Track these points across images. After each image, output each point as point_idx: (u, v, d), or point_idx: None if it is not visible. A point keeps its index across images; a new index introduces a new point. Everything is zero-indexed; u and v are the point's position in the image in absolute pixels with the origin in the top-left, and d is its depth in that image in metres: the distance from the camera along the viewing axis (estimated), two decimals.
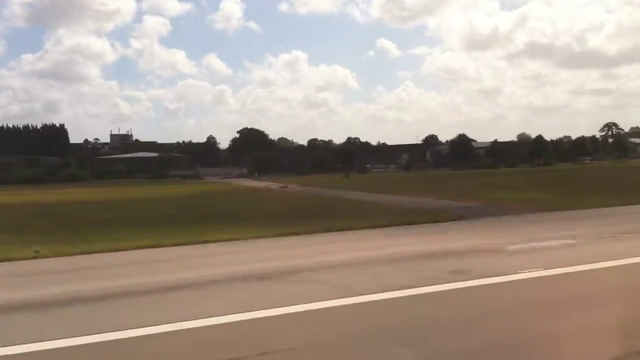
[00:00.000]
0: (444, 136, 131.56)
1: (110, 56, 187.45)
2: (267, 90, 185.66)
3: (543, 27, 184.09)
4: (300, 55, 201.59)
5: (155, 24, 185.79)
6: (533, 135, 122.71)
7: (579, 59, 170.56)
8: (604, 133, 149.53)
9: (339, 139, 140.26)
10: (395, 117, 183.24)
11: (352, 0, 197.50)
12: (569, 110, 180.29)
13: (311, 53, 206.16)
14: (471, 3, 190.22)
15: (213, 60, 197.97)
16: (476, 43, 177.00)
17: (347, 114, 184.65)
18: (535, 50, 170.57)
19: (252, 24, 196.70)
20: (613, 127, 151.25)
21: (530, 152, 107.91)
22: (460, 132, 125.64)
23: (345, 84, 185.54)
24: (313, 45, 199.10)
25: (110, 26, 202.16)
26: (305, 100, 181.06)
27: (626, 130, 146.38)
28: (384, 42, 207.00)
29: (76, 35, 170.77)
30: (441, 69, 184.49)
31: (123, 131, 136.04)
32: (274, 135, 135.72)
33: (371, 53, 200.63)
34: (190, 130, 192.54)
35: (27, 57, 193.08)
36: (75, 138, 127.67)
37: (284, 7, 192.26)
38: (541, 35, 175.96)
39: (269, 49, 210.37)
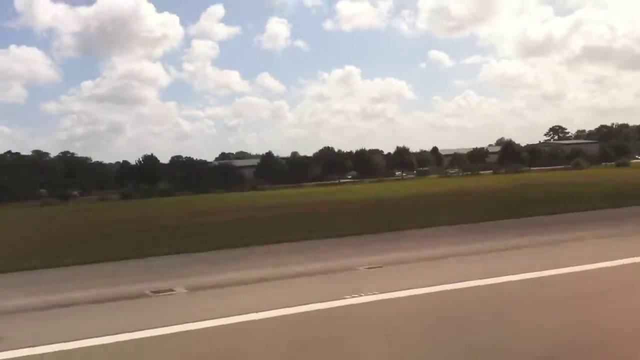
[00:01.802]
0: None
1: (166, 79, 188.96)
2: (324, 104, 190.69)
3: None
4: (353, 69, 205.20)
5: (205, 48, 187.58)
6: None
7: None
8: (549, 138, 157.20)
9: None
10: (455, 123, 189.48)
11: (398, 14, 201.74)
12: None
13: (363, 68, 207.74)
14: (521, 10, 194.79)
15: (266, 79, 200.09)
16: (531, 50, 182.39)
17: (406, 123, 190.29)
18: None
19: (300, 43, 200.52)
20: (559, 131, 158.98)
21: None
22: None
23: (401, 95, 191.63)
24: (364, 60, 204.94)
25: (159, 51, 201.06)
26: (362, 111, 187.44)
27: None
28: (435, 54, 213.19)
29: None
30: (499, 76, 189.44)
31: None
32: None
33: (423, 65, 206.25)
34: (252, 143, 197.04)
35: (87, 83, 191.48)
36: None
37: (328, 25, 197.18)
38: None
39: (320, 66, 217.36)
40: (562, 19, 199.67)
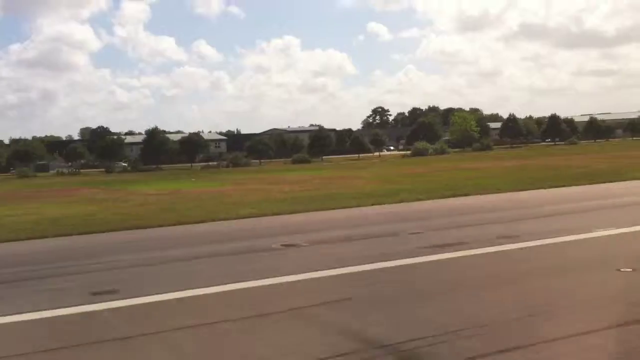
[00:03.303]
0: None
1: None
2: (265, 75, 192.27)
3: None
4: (292, 40, 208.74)
5: (135, 10, 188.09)
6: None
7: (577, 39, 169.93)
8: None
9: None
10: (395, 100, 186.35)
11: None
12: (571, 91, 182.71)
13: (303, 38, 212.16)
14: None
15: (203, 47, 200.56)
16: (468, 25, 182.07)
17: (347, 98, 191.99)
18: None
19: (234, 9, 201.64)
20: None
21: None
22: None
23: (342, 68, 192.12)
24: (303, 30, 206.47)
25: (86, 13, 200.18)
26: (304, 85, 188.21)
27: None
28: (374, 26, 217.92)
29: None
30: (438, 51, 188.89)
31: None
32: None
33: (361, 37, 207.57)
34: (194, 116, 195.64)
35: (14, 47, 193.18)
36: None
37: None
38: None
39: (258, 35, 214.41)
40: None
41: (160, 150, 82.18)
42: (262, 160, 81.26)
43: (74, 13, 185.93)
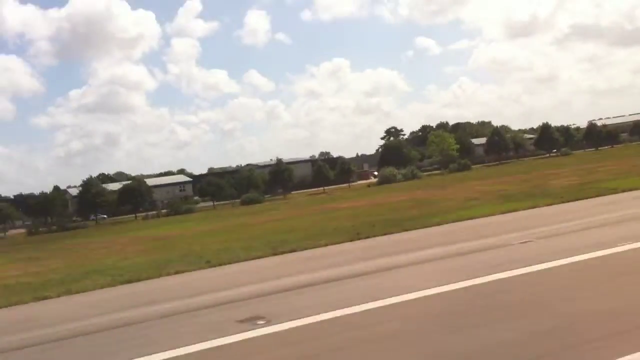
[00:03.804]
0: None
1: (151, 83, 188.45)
2: (318, 100, 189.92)
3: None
4: (342, 62, 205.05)
5: (185, 46, 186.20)
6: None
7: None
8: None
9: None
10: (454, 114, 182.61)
11: (377, 1, 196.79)
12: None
13: (352, 59, 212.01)
14: None
15: (254, 77, 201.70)
16: (518, 31, 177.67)
17: (403, 116, 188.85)
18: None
19: (281, 36, 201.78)
20: None
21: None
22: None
23: (394, 86, 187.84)
24: (351, 52, 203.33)
25: (138, 52, 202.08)
26: (357, 107, 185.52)
27: None
28: (422, 40, 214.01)
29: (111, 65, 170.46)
30: (490, 60, 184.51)
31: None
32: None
33: (410, 53, 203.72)
34: (254, 148, 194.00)
35: (73, 93, 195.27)
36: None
37: (307, 15, 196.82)
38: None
39: (307, 60, 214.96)
40: None
41: (96, 203, 77.28)
42: (216, 203, 77.56)
43: (126, 54, 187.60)
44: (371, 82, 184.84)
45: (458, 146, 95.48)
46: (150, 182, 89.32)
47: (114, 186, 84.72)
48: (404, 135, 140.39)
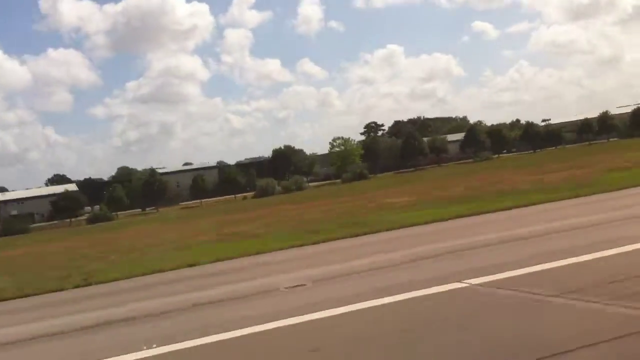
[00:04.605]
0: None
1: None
2: (372, 87, 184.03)
3: None
4: (395, 48, 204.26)
5: (238, 37, 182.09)
6: None
7: None
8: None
9: None
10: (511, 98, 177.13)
11: None
12: None
13: (406, 45, 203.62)
14: None
15: (307, 65, 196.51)
16: (579, 12, 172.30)
17: (459, 101, 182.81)
18: None
19: (334, 24, 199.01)
20: None
21: None
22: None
23: (449, 72, 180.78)
24: (405, 38, 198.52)
25: (191, 44, 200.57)
26: (412, 92, 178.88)
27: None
28: (479, 24, 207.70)
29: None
30: (549, 43, 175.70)
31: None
32: None
33: (466, 38, 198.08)
34: (306, 134, 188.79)
35: (130, 85, 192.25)
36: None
37: (359, 2, 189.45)
38: None
39: (360, 47, 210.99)
40: None
41: None
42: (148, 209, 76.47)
43: (180, 46, 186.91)
44: (426, 68, 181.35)
45: (362, 152, 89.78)
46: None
47: None
48: (383, 130, 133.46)
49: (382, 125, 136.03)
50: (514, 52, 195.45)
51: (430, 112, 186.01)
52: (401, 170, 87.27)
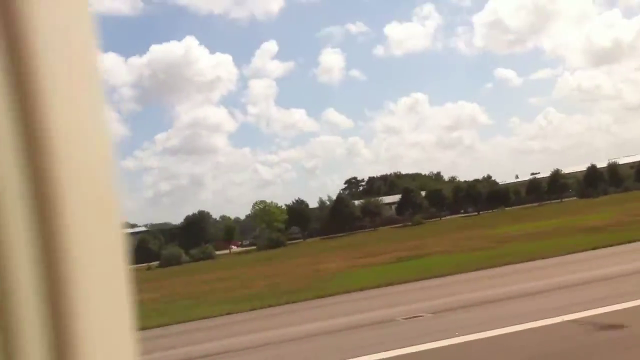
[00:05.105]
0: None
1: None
2: (398, 136, 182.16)
3: None
4: (420, 96, 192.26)
5: (262, 87, 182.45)
6: None
7: None
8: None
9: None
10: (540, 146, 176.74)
11: (452, 33, 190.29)
12: None
13: (430, 93, 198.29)
14: (582, 16, 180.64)
15: (332, 115, 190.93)
16: (602, 57, 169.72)
17: (486, 149, 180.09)
18: None
19: (355, 72, 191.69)
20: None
21: None
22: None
23: (475, 119, 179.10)
24: (428, 85, 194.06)
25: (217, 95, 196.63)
26: (439, 141, 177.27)
27: None
28: (501, 71, 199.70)
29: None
30: (575, 89, 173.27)
31: None
32: None
33: (490, 85, 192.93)
34: (336, 184, 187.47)
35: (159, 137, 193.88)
36: None
37: (379, 51, 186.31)
38: None
39: (384, 95, 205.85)
40: (628, 21, 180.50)
41: None
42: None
43: (206, 97, 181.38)
44: (451, 116, 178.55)
45: (286, 217, 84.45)
46: None
47: None
48: (362, 185, 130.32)
49: (362, 180, 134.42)
50: (540, 98, 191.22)
51: (458, 160, 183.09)
52: (330, 236, 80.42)
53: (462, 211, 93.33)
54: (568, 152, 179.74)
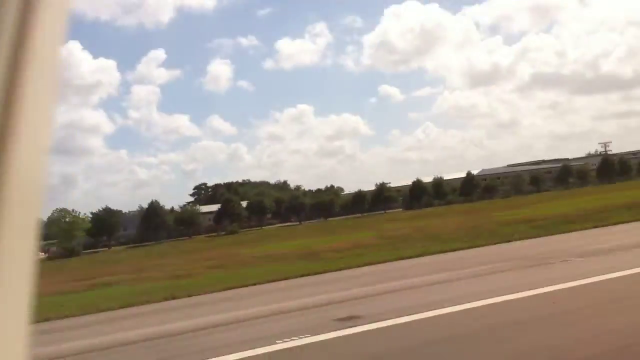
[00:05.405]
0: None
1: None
2: (282, 144, 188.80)
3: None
4: (305, 108, 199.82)
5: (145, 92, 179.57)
6: None
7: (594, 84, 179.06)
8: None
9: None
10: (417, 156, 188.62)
11: (342, 51, 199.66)
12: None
13: (315, 105, 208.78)
14: (464, 41, 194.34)
15: (216, 121, 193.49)
16: (480, 80, 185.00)
17: (366, 158, 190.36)
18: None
19: (243, 83, 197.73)
20: None
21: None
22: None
23: (357, 131, 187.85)
24: (314, 98, 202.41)
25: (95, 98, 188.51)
26: (320, 149, 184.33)
27: None
28: (385, 88, 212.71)
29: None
30: (452, 107, 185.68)
31: None
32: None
33: (373, 100, 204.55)
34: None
35: None
36: None
37: (269, 64, 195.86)
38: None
39: (270, 106, 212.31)
40: (509, 48, 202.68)
41: None
42: None
43: (83, 100, 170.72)
44: (334, 127, 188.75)
45: (89, 226, 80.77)
46: None
47: None
48: (210, 192, 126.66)
49: (210, 189, 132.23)
50: (420, 114, 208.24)
51: (338, 167, 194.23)
52: (140, 244, 79.17)
53: (293, 220, 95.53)
54: (443, 162, 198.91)
